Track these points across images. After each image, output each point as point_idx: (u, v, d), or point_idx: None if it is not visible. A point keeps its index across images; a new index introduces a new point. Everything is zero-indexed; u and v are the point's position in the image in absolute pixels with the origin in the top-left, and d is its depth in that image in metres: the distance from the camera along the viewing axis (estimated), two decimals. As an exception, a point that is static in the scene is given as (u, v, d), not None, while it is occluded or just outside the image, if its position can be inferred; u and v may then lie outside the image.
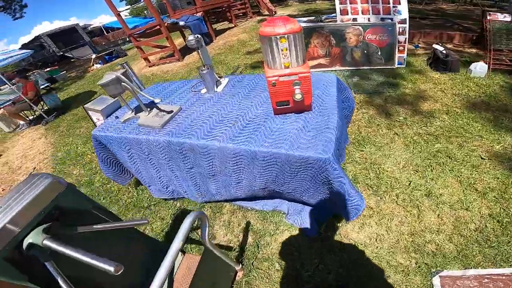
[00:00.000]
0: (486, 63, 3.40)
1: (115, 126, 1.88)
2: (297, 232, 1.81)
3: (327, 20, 3.88)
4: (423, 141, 2.37)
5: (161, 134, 1.62)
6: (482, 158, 2.13)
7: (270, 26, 1.19)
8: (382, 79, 3.57)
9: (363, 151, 2.35)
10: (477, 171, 2.02)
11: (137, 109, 1.89)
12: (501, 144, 2.24)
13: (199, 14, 7.85)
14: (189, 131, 1.57)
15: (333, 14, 3.91)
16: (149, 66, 7.30)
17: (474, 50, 4.55)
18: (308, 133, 1.33)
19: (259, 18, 11.54)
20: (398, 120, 2.68)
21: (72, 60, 15.28)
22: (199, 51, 1.85)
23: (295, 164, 1.29)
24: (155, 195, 2.28)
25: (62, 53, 15.50)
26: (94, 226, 0.91)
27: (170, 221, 2.13)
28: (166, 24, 6.51)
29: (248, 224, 1.94)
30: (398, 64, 3.84)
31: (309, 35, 3.82)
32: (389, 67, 3.84)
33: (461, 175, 2.00)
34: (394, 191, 1.97)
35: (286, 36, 1.17)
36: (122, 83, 1.62)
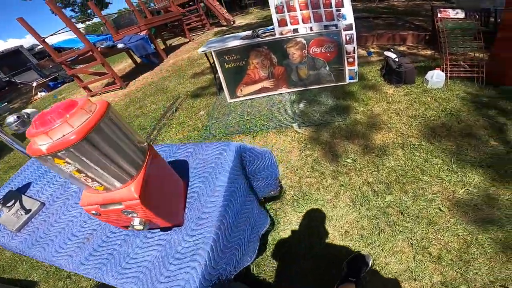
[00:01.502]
0: (443, 71, 3.02)
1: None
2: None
3: (264, 35, 3.37)
4: (372, 193, 1.87)
5: (16, 240, 1.24)
6: (441, 210, 1.68)
7: (32, 136, 0.60)
8: (331, 102, 3.08)
9: (301, 212, 1.82)
10: (434, 229, 1.59)
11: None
12: (465, 188, 1.78)
13: (143, 33, 7.17)
14: (42, 242, 1.19)
15: (270, 27, 3.40)
16: (91, 96, 6.49)
17: (428, 52, 4.24)
18: (169, 266, 0.88)
19: (217, 29, 11.01)
20: (345, 164, 2.16)
21: (18, 86, 13.90)
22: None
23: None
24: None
25: (8, 78, 14.07)
26: None
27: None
28: (99, 49, 5.76)
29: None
30: (349, 79, 3.39)
31: (247, 55, 3.29)
32: (340, 83, 3.38)
33: (413, 237, 1.57)
34: (332, 267, 1.49)
35: (60, 154, 0.60)
36: None
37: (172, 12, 9.05)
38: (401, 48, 4.68)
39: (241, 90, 3.58)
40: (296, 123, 2.77)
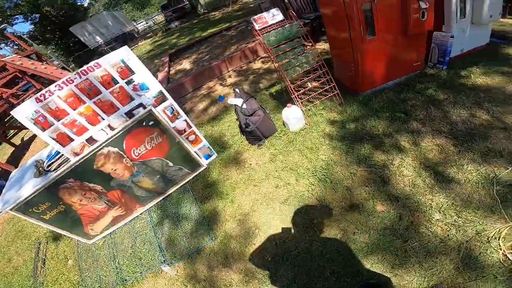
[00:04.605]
0: (295, 104, 2.41)
1: None
2: None
3: (54, 166, 2.19)
4: None
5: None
6: None
7: None
8: (195, 210, 2.21)
9: None
10: None
11: None
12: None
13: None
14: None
15: (54, 151, 2.28)
16: None
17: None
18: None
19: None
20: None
21: None
22: None
23: None
24: None
25: None
26: None
27: None
28: None
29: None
30: (206, 159, 2.54)
31: (56, 197, 2.10)
32: (199, 170, 2.50)
33: None
34: None
35: None
36: None
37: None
38: (256, 65, 4.12)
39: (92, 229, 2.46)
40: (165, 263, 1.94)
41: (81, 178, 2.13)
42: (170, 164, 2.39)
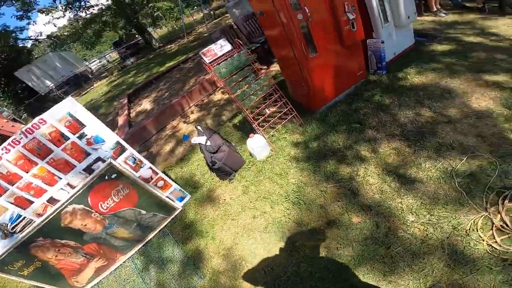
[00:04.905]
0: (258, 133, 2.44)
1: None
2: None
3: (19, 228, 2.07)
4: None
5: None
6: None
7: None
8: (178, 253, 2.12)
9: None
10: None
11: None
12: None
13: None
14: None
15: (16, 213, 2.14)
16: None
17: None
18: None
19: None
20: None
21: None
22: None
23: None
24: None
25: None
26: None
27: None
28: None
29: None
30: (180, 201, 2.46)
31: (29, 256, 1.95)
32: (175, 212, 2.41)
33: None
34: None
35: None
36: None
37: None
38: (217, 97, 4.18)
39: (77, 281, 2.29)
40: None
41: (50, 236, 2.00)
42: (143, 212, 2.29)
